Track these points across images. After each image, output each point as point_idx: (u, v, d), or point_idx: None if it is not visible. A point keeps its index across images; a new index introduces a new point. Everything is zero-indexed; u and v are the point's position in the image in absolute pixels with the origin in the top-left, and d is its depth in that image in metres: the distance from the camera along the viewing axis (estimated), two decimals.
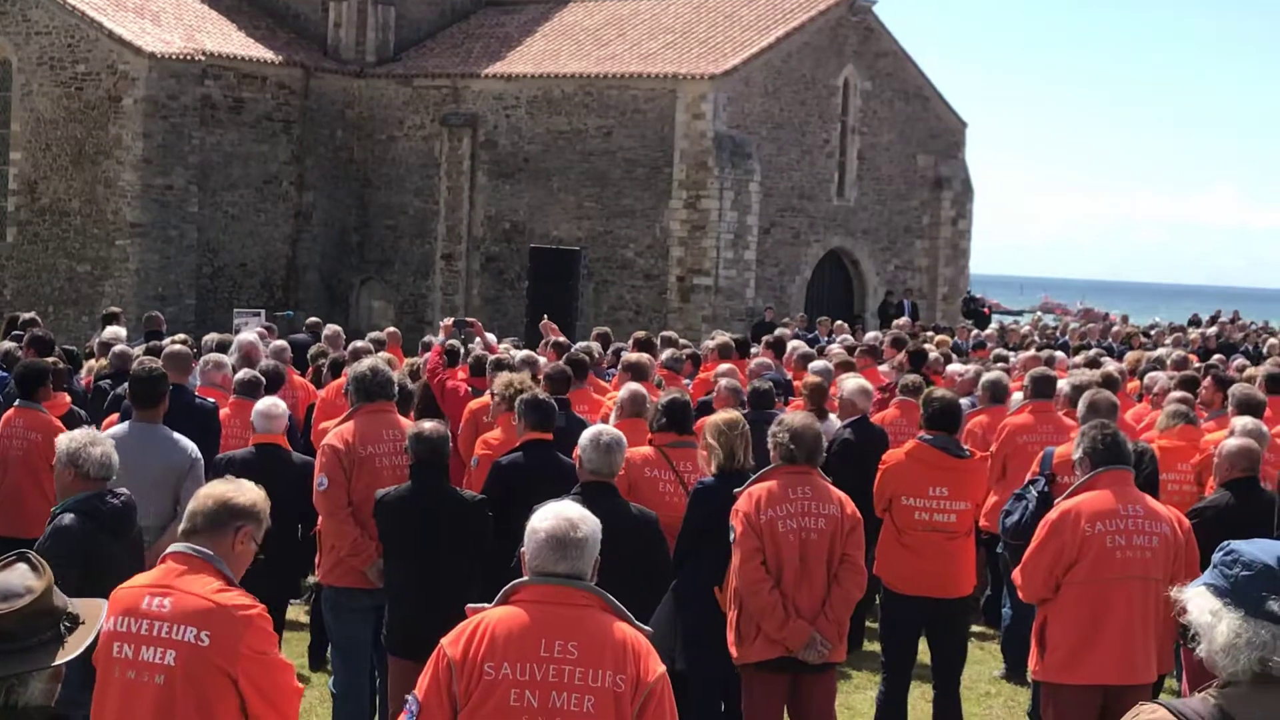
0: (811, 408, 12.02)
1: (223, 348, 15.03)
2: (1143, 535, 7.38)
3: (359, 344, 15.60)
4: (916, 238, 42.79)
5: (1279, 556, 3.47)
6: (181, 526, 5.47)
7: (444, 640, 4.98)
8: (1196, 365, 18.04)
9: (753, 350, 17.80)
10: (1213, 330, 33.28)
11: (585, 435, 8.17)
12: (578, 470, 8.16)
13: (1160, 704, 3.48)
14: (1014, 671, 11.13)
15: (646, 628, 5.09)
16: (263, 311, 29.93)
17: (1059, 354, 19.44)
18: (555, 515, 5.02)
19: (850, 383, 12.19)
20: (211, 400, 11.38)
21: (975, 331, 28.68)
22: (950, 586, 9.33)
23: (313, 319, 22.96)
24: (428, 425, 8.55)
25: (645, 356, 14.41)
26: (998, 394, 12.90)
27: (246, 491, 5.50)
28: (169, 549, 5.43)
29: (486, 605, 5.01)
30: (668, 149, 37.30)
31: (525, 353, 15.14)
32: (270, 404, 10.30)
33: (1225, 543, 3.58)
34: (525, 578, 5.01)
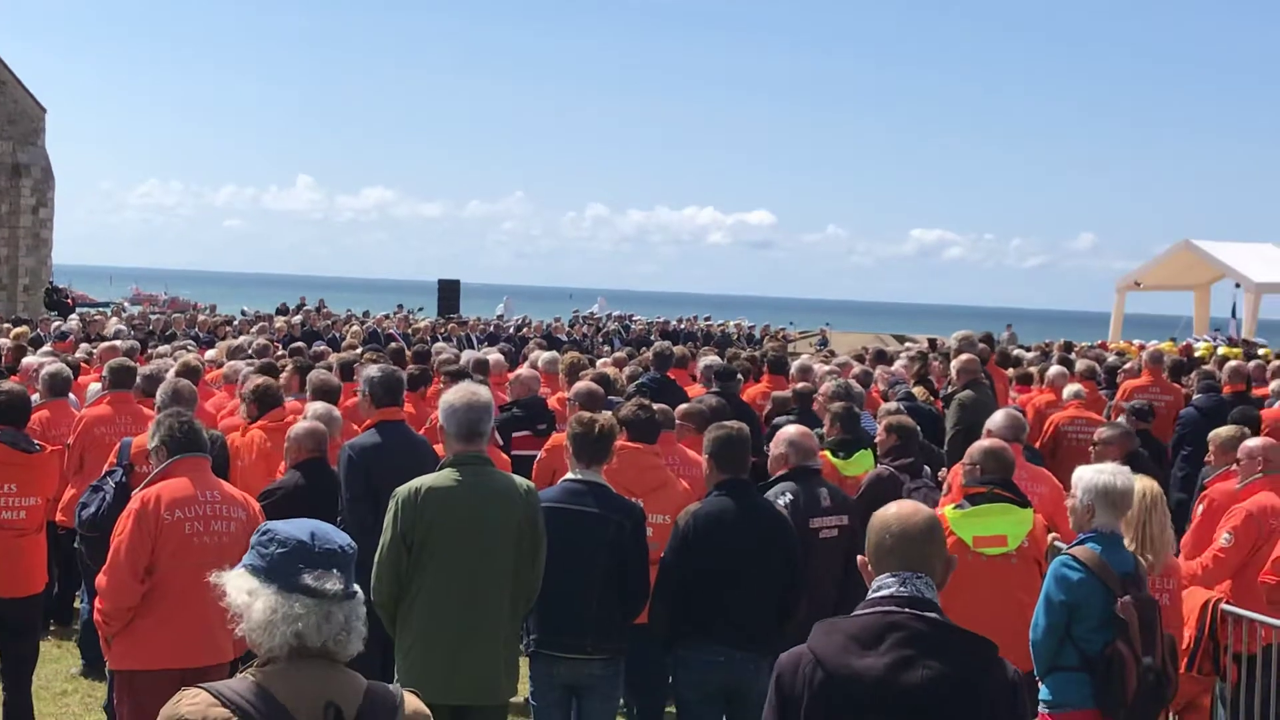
0: None
1: None
2: (220, 520, 7.45)
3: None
4: None
5: (312, 532, 3.60)
6: None
7: None
8: (280, 353, 18.46)
9: None
10: (298, 319, 34.16)
11: None
12: None
13: (202, 688, 3.50)
14: (92, 668, 10.92)
15: None
16: None
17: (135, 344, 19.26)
18: None
19: None
20: None
21: (57, 324, 27.85)
22: (21, 585, 9.03)
23: None
24: None
25: None
26: (57, 387, 12.37)
27: None
28: None
29: None
30: None
31: None
32: None
33: (264, 525, 3.68)
34: None
